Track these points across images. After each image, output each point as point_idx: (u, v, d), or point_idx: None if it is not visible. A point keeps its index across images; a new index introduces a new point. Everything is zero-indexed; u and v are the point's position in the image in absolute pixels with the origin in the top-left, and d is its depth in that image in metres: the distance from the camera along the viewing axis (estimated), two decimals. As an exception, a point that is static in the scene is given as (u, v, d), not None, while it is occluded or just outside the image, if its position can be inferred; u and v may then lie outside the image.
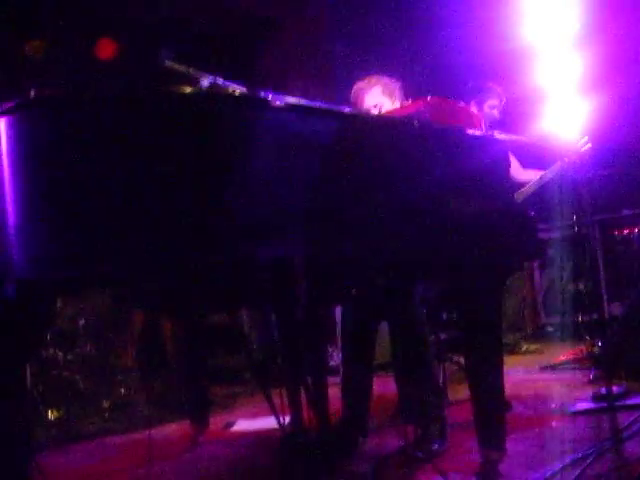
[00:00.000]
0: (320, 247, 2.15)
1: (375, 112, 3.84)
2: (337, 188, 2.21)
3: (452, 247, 2.50)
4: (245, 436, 4.34)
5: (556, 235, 6.66)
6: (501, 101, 5.12)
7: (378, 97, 3.86)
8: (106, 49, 7.06)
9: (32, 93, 4.87)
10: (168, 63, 3.01)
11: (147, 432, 4.26)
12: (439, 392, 3.64)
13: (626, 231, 6.77)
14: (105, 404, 4.95)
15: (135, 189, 2.00)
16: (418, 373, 3.53)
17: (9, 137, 2.02)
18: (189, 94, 2.12)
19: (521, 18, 6.69)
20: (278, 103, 2.14)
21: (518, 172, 5.12)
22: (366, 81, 3.90)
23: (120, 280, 2.24)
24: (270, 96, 2.20)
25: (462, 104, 3.45)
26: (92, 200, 2.00)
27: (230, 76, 3.03)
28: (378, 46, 7.52)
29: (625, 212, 6.74)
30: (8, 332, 2.04)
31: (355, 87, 3.95)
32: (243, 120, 2.08)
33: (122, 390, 5.14)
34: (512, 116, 5.43)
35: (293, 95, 2.33)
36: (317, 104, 2.30)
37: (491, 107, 5.04)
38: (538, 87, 6.85)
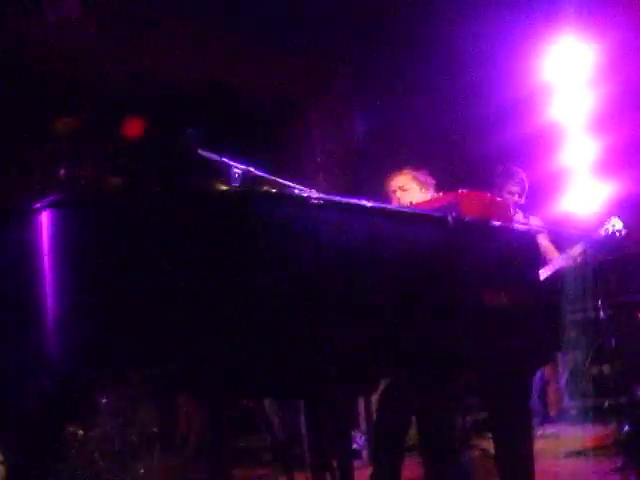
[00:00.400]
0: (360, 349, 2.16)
1: (402, 196, 3.86)
2: (378, 288, 2.22)
3: (486, 341, 2.49)
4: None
5: (578, 317, 6.61)
6: (523, 187, 5.13)
7: (406, 182, 3.88)
8: (134, 128, 7.17)
9: (62, 172, 4.94)
10: (201, 153, 3.06)
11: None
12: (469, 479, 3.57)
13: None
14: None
15: (166, 288, 2.03)
16: (448, 460, 3.47)
17: (51, 231, 2.06)
18: (227, 193, 2.15)
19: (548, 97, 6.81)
20: (316, 200, 2.15)
21: (550, 251, 5.12)
22: (397, 170, 3.94)
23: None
24: (306, 192, 2.22)
25: (489, 195, 3.47)
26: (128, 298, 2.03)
27: (256, 161, 3.09)
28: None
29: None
30: (45, 422, 2.05)
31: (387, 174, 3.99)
32: (280, 218, 2.11)
33: (141, 470, 5.08)
34: (538, 195, 5.47)
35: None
36: (352, 200, 2.32)
37: (511, 193, 5.05)
38: (563, 165, 6.93)
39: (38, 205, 2.09)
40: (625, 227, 5.11)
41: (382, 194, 4.00)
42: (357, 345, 2.19)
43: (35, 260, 2.05)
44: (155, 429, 4.99)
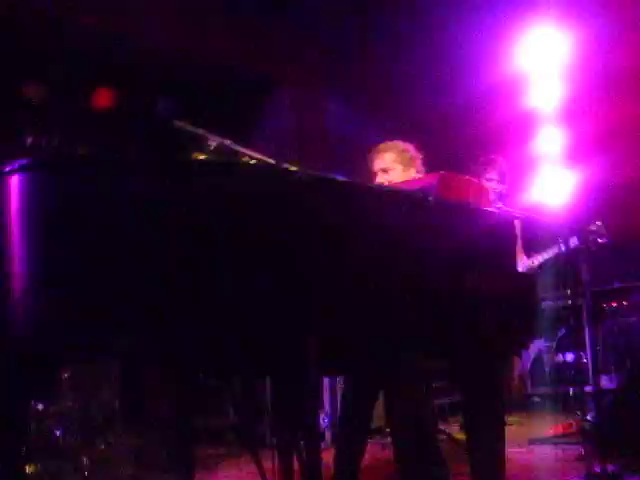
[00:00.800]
0: (335, 327, 2.11)
1: (383, 178, 3.78)
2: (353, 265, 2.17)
3: (464, 325, 2.46)
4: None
5: (542, 305, 6.62)
6: (502, 174, 5.11)
7: (389, 163, 3.80)
8: (103, 98, 7.06)
9: (29, 140, 4.81)
10: (178, 123, 2.98)
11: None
12: (444, 464, 3.47)
13: (614, 304, 6.77)
14: (85, 460, 4.81)
15: (135, 257, 1.97)
16: (421, 444, 3.39)
17: (20, 195, 1.98)
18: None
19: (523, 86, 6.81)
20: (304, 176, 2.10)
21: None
22: (383, 145, 3.85)
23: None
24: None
25: (473, 179, 3.42)
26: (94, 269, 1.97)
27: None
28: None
29: (616, 284, 6.73)
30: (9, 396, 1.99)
31: (372, 149, 3.90)
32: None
33: (102, 446, 5.00)
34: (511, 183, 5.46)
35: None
36: (332, 176, 2.26)
37: (489, 180, 5.03)
38: (535, 154, 6.94)
39: (7, 169, 2.01)
40: (607, 236, 5.09)
41: (361, 172, 3.91)
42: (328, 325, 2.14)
43: (3, 225, 1.97)
44: (117, 405, 4.91)
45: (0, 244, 1.97)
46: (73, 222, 1.98)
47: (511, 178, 5.46)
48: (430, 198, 2.41)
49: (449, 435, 5.04)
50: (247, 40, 7.30)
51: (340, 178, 2.26)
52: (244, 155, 2.84)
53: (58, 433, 4.83)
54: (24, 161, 2.01)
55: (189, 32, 6.92)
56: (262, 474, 2.92)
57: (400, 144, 3.86)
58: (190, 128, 2.97)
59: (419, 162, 3.83)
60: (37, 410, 4.77)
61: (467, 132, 6.98)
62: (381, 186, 3.48)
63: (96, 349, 2.03)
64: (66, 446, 4.80)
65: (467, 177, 3.24)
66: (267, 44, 7.46)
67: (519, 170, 6.56)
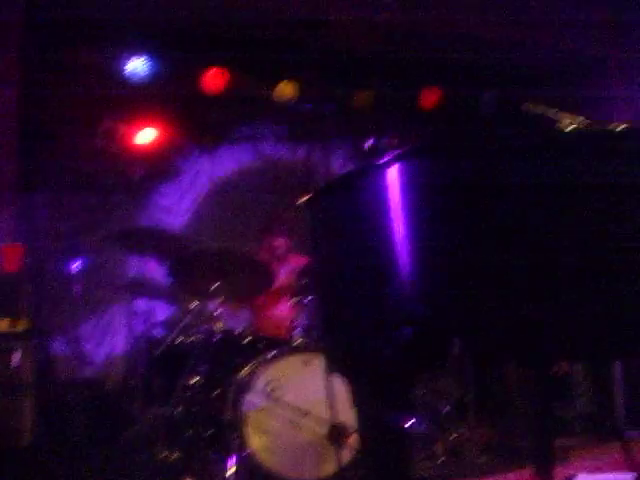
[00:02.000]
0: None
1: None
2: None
3: None
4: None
5: None
6: None
7: None
8: (430, 97, 7.23)
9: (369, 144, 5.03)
10: (526, 106, 2.98)
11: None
12: None
13: None
14: (438, 449, 4.94)
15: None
16: None
17: (401, 184, 2.08)
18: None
19: None
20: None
21: None
22: None
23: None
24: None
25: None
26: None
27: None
28: None
29: None
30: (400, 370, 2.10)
31: None
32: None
33: (454, 435, 5.11)
34: None
35: None
36: None
37: None
38: None
39: (386, 159, 2.13)
40: None
41: None
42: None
43: (387, 213, 2.09)
44: (470, 397, 4.99)
45: (385, 230, 2.09)
46: (451, 209, 2.06)
47: None
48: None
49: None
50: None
51: None
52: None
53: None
54: (403, 150, 2.12)
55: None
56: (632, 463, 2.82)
57: None
58: (540, 109, 2.96)
59: None
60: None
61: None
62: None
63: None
64: (418, 434, 4.96)
65: None
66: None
67: None
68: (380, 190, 2.13)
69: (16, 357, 4.26)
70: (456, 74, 7.01)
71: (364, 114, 7.06)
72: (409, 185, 2.09)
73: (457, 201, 2.06)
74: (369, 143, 6.44)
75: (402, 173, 2.10)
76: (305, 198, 2.60)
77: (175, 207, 7.20)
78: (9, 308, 4.38)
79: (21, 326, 4.38)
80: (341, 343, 2.40)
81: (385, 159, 2.13)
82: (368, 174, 2.23)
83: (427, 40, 6.87)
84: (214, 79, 6.63)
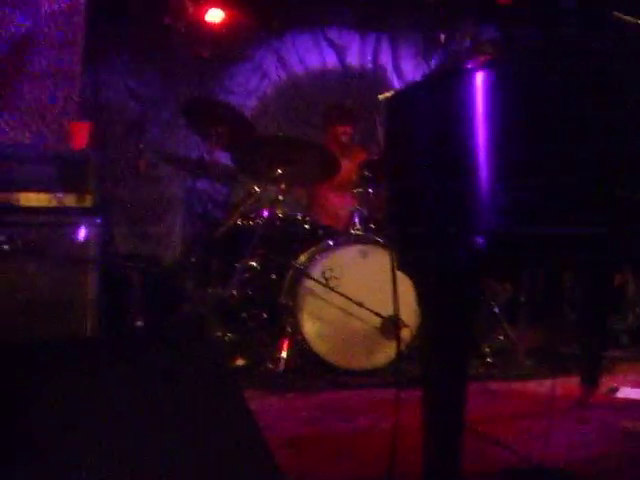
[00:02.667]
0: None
1: None
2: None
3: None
4: (631, 405, 4.18)
5: None
6: None
7: None
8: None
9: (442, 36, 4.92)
10: (616, 15, 2.89)
11: (529, 383, 4.33)
12: None
13: None
14: (486, 349, 5.00)
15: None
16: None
17: (484, 91, 2.07)
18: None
19: None
20: None
21: None
22: None
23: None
24: None
25: None
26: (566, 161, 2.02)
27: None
28: None
29: None
30: (472, 284, 2.13)
31: None
32: None
33: (500, 337, 5.17)
34: None
35: None
36: None
37: None
38: None
39: (470, 65, 2.11)
40: None
41: None
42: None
43: (468, 120, 2.08)
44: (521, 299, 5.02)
45: (464, 137, 2.09)
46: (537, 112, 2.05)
47: None
48: None
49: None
50: None
51: None
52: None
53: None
54: (488, 58, 2.10)
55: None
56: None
57: None
58: (629, 18, 2.87)
59: None
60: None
61: None
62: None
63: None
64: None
65: None
66: None
67: None
68: (464, 95, 2.11)
69: (82, 232, 4.36)
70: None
71: (435, 6, 6.89)
72: (494, 92, 2.07)
73: (542, 112, 2.05)
74: (443, 36, 6.35)
75: (487, 80, 2.08)
76: (387, 94, 2.60)
77: (242, 90, 7.17)
78: (76, 184, 4.46)
79: (87, 202, 4.47)
80: (409, 243, 2.42)
81: (469, 64, 2.11)
82: (452, 77, 2.21)
83: None
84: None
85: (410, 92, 2.55)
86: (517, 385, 4.52)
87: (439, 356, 2.21)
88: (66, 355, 2.36)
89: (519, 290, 5.23)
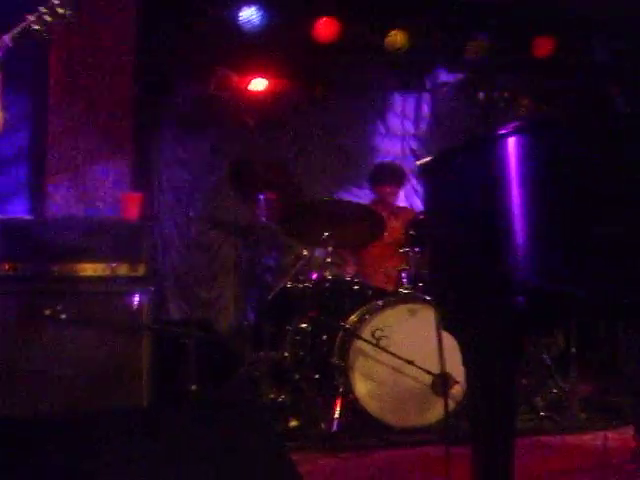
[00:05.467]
0: None
1: None
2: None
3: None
4: None
5: None
6: None
7: None
8: (543, 46, 7.11)
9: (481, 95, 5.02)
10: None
11: (583, 436, 4.30)
12: None
13: None
14: (539, 402, 4.98)
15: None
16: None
17: (517, 156, 2.15)
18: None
19: None
20: None
21: None
22: None
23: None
24: None
25: None
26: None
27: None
28: None
29: None
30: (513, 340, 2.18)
31: None
32: None
33: (553, 390, 5.15)
34: None
35: None
36: None
37: None
38: None
39: (504, 131, 2.19)
40: None
41: None
42: None
43: (503, 182, 2.16)
44: (573, 350, 5.00)
45: (499, 200, 2.16)
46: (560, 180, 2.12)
47: None
48: None
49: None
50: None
51: None
52: None
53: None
54: (519, 123, 2.17)
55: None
56: None
57: None
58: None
59: None
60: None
61: None
62: None
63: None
64: (521, 386, 5.01)
65: None
66: None
67: None
68: (499, 158, 2.19)
69: (136, 299, 4.49)
70: (570, 23, 6.88)
71: (475, 63, 7.01)
72: (527, 156, 2.15)
73: (574, 176, 2.11)
74: (482, 94, 6.45)
75: (520, 144, 2.16)
76: (425, 160, 2.69)
77: (288, 154, 7.32)
78: (129, 253, 4.60)
79: (140, 271, 4.60)
80: (452, 301, 2.48)
81: (505, 130, 2.18)
82: (487, 142, 2.29)
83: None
84: (326, 28, 6.67)
85: (447, 157, 2.62)
86: (571, 438, 4.49)
87: (484, 412, 2.25)
88: (124, 424, 2.44)
89: (570, 341, 5.20)
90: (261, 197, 5.30)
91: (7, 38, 2.92)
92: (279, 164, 5.67)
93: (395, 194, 6.27)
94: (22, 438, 2.66)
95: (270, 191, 5.33)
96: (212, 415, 2.48)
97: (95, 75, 5.67)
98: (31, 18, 2.89)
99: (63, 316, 4.36)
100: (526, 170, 2.14)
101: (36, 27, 2.87)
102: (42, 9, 2.93)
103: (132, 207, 5.00)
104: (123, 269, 4.59)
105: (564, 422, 4.79)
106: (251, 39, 6.52)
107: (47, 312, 4.34)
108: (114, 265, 4.56)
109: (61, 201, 5.55)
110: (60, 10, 2.88)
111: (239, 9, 6.51)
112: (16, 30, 2.99)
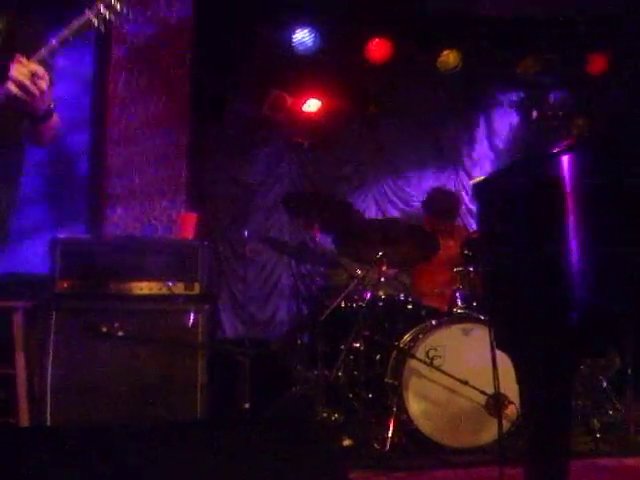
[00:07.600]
0: None
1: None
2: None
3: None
4: None
5: None
6: None
7: None
8: (597, 63, 7.07)
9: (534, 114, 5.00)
10: None
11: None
12: None
13: None
14: (595, 423, 4.92)
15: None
16: None
17: (570, 173, 2.15)
18: None
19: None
20: None
21: None
22: None
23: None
24: None
25: None
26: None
27: None
28: None
29: None
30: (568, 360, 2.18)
31: None
32: None
33: (610, 411, 5.08)
34: None
35: None
36: None
37: None
38: None
39: (557, 150, 2.19)
40: None
41: None
42: None
43: (557, 203, 2.16)
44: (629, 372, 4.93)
45: (554, 221, 2.16)
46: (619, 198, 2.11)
47: None
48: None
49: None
50: None
51: None
52: None
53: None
54: (574, 141, 2.18)
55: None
56: None
57: None
58: None
59: None
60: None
61: None
62: None
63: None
64: (577, 408, 4.94)
65: None
66: None
67: None
68: (553, 178, 2.19)
69: (191, 318, 4.54)
70: (624, 39, 6.83)
71: (528, 81, 6.99)
72: (580, 175, 2.15)
73: (633, 194, 2.11)
74: (535, 113, 6.43)
75: (575, 162, 2.16)
76: (479, 179, 2.70)
77: (340, 175, 7.36)
78: (185, 272, 4.67)
79: (195, 289, 4.66)
80: (506, 321, 2.48)
81: (558, 148, 2.19)
82: (541, 161, 2.29)
83: (595, 2, 6.71)
84: (378, 49, 6.71)
85: (500, 176, 2.64)
86: (628, 461, 4.42)
87: (539, 433, 2.24)
88: (178, 437, 2.47)
89: (627, 362, 5.13)
90: (315, 219, 5.32)
91: (55, 40, 2.86)
92: (334, 199, 5.67)
93: (448, 227, 6.26)
94: (75, 446, 2.70)
95: (323, 212, 5.35)
96: (266, 432, 2.50)
97: (152, 97, 5.77)
98: (89, 13, 2.85)
99: (120, 333, 4.42)
100: (582, 188, 2.13)
101: (94, 22, 2.83)
102: (99, 4, 2.88)
103: (188, 227, 5.07)
104: (179, 288, 4.65)
105: (620, 444, 4.71)
106: (304, 61, 6.59)
107: (104, 329, 4.41)
108: (170, 284, 4.62)
109: (118, 221, 5.65)
110: (116, 4, 2.85)
111: (293, 31, 6.59)
112: (74, 26, 2.91)
